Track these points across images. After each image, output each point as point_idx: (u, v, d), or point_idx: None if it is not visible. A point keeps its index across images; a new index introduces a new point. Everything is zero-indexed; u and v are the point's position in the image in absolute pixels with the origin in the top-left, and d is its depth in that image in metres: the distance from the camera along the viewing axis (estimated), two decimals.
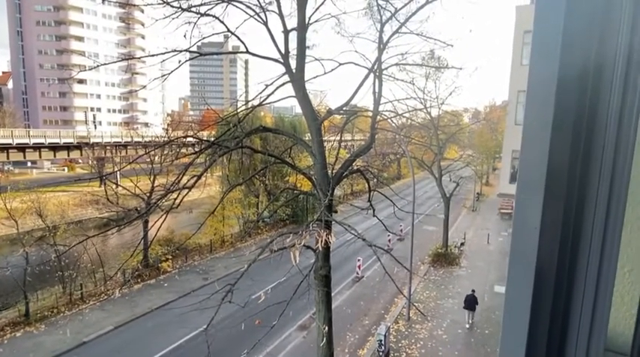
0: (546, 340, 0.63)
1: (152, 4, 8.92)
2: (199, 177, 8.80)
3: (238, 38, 9.71)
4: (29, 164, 57.22)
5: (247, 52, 10.21)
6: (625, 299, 0.70)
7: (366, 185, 12.89)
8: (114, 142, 45.87)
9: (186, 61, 10.10)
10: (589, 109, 0.59)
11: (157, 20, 9.36)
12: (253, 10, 9.44)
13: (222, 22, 9.28)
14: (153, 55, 9.68)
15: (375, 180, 18.58)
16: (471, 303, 16.28)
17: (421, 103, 22.30)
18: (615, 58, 0.56)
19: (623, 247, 0.72)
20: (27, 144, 38.61)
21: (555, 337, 0.64)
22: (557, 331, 0.64)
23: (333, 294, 12.25)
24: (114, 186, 25.32)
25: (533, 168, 0.60)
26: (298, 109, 11.32)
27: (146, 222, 19.08)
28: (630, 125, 0.57)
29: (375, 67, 10.19)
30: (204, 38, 9.79)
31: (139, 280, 20.49)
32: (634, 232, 0.71)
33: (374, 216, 11.37)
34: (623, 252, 0.72)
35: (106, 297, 18.57)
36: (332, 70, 10.27)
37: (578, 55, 0.58)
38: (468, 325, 16.30)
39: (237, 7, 9.38)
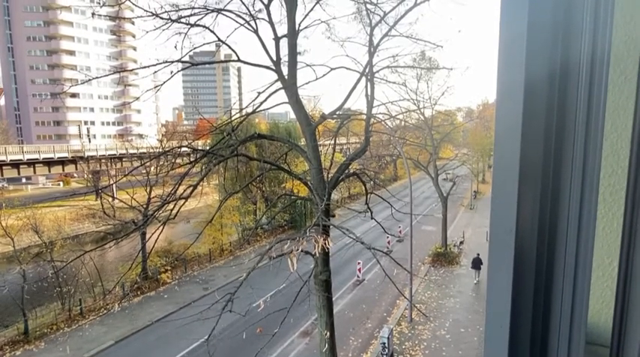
0: (529, 337, 0.65)
1: (142, 17, 8.94)
2: (195, 187, 8.79)
3: (229, 47, 9.75)
4: (24, 180, 56.82)
5: (239, 60, 10.26)
6: (605, 293, 0.72)
7: (363, 188, 12.92)
8: (109, 155, 45.68)
9: (179, 71, 10.12)
10: (557, 111, 0.61)
11: (147, 32, 9.37)
12: (243, 19, 9.50)
13: (212, 32, 9.33)
14: (145, 67, 9.70)
15: (372, 182, 18.63)
16: (476, 264, 20.06)
17: (414, 104, 22.43)
18: (580, 62, 0.59)
19: (606, 242, 0.74)
20: (21, 160, 38.38)
21: (537, 333, 0.65)
22: (538, 327, 0.65)
23: (334, 298, 12.21)
24: (110, 199, 25.18)
25: (506, 172, 0.62)
26: (293, 115, 11.36)
27: (143, 234, 18.95)
28: (598, 124, 0.59)
29: (367, 71, 10.25)
30: (195, 48, 9.84)
31: (139, 292, 20.32)
32: (613, 228, 0.73)
33: (372, 218, 11.38)
34: (611, 246, 0.74)
35: (105, 311, 18.38)
36: (324, 75, 10.35)
37: (543, 60, 0.60)
38: (475, 281, 20.28)
39: (226, 16, 9.44)
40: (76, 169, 45.27)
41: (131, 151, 42.34)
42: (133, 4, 8.83)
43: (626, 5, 0.64)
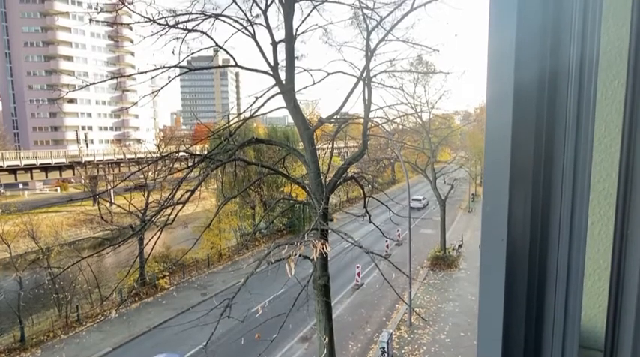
0: (523, 342, 0.65)
1: (139, 22, 8.97)
2: (193, 191, 8.78)
3: (227, 52, 9.78)
4: (21, 186, 56.52)
5: (237, 65, 10.29)
6: (601, 297, 0.72)
7: (361, 192, 12.92)
8: (106, 160, 45.53)
9: (176, 76, 10.13)
10: (547, 116, 0.62)
11: (145, 37, 9.39)
12: (241, 24, 9.55)
13: (210, 37, 9.35)
14: (142, 72, 9.70)
15: (370, 186, 18.65)
16: None
17: (412, 107, 22.48)
18: (569, 66, 0.59)
19: (602, 246, 0.74)
20: (18, 166, 38.20)
21: (531, 337, 0.65)
22: (532, 331, 0.65)
23: (333, 303, 12.16)
24: (107, 204, 25.09)
25: (496, 178, 0.62)
26: (291, 119, 11.39)
27: (141, 239, 18.86)
28: (588, 128, 0.60)
29: (364, 75, 10.30)
30: (193, 53, 9.87)
31: (137, 298, 20.18)
32: (608, 232, 0.74)
33: (370, 222, 11.37)
34: (607, 250, 0.74)
35: (103, 317, 18.24)
36: (321, 79, 10.39)
37: (532, 65, 0.60)
38: None
39: (224, 21, 9.48)
40: (74, 174, 45.08)
41: (129, 156, 42.26)
42: (131, 10, 8.86)
43: (615, 9, 0.64)
